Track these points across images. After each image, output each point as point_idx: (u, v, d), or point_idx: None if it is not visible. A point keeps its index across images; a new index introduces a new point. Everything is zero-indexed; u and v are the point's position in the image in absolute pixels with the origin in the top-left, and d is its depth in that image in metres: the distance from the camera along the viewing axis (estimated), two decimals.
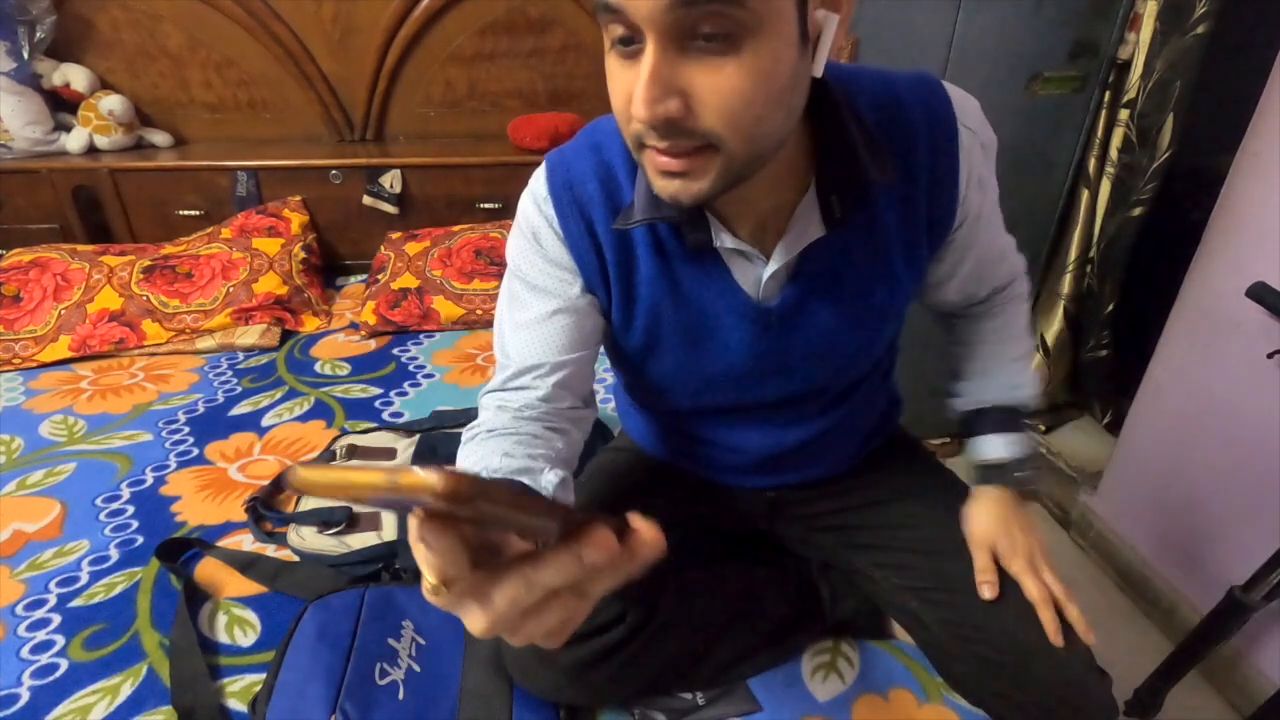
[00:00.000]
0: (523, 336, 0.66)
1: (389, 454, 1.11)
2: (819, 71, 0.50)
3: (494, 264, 1.68)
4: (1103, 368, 1.69)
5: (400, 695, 0.74)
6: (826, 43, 0.49)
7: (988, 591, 0.71)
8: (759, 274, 0.64)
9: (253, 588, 0.91)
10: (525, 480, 0.58)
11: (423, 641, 0.81)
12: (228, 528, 1.02)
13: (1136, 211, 1.48)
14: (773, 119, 0.49)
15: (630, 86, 0.47)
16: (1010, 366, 0.81)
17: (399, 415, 1.30)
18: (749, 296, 0.65)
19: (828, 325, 0.67)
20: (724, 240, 0.62)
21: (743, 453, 0.80)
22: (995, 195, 0.70)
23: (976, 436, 0.81)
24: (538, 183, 0.66)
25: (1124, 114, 1.44)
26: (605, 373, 1.40)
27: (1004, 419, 0.80)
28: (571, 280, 0.66)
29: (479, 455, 0.60)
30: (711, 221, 0.62)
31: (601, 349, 0.75)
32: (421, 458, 1.10)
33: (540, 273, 0.66)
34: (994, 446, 0.79)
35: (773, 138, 0.51)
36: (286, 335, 1.58)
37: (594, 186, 0.63)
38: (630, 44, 0.46)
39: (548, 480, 0.59)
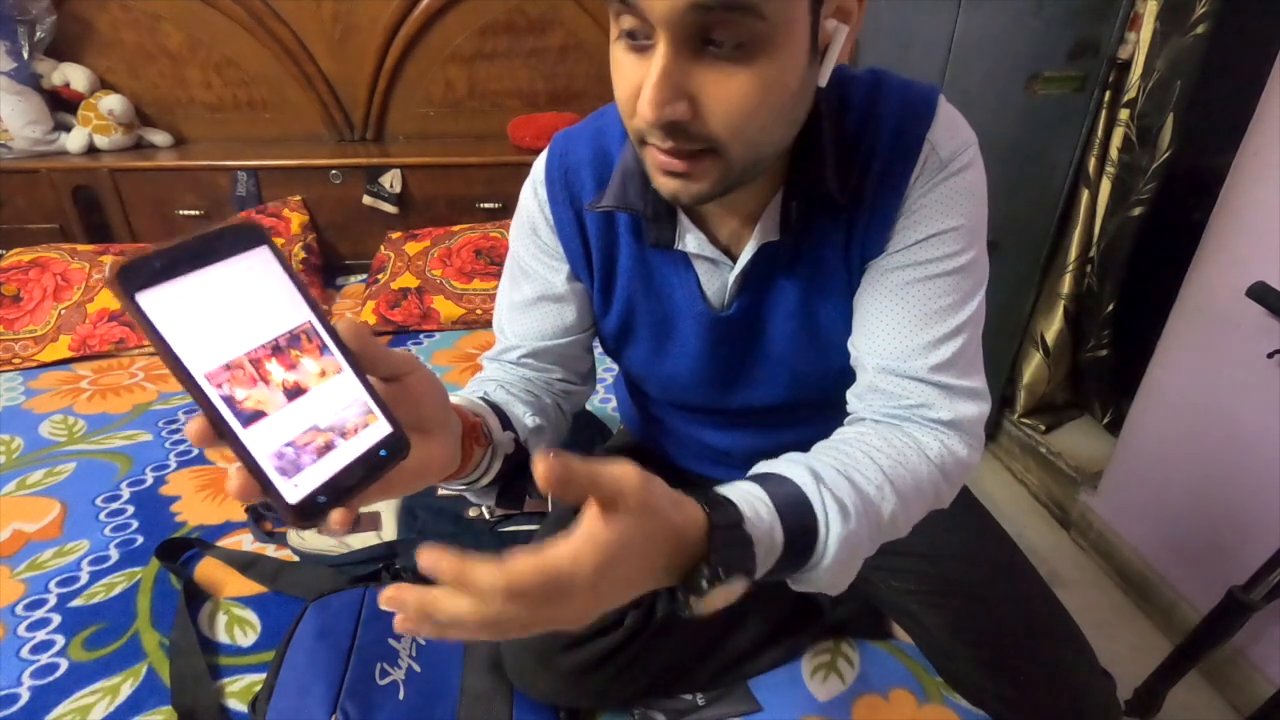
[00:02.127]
0: (514, 316, 0.71)
1: None
2: (824, 82, 0.50)
3: (494, 264, 1.68)
4: (1103, 368, 1.69)
5: (401, 695, 0.74)
6: (834, 54, 0.48)
7: None
8: (725, 279, 0.63)
9: (253, 588, 0.91)
10: (506, 410, 0.61)
11: (423, 642, 0.80)
12: (228, 527, 1.02)
13: (1136, 211, 1.48)
14: (776, 128, 0.49)
15: (637, 80, 0.46)
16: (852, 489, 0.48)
17: None
18: (708, 305, 0.65)
19: (778, 337, 0.66)
20: (687, 244, 0.61)
21: (725, 453, 0.80)
22: (959, 260, 0.56)
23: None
24: (538, 166, 0.68)
25: (1124, 114, 1.44)
26: (605, 372, 1.40)
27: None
28: (558, 267, 0.68)
29: (474, 386, 0.67)
30: (683, 222, 0.61)
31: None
32: None
33: (531, 257, 0.69)
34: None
35: (774, 146, 0.51)
36: None
37: (588, 174, 0.64)
38: (638, 38, 0.45)
39: (529, 421, 0.63)
